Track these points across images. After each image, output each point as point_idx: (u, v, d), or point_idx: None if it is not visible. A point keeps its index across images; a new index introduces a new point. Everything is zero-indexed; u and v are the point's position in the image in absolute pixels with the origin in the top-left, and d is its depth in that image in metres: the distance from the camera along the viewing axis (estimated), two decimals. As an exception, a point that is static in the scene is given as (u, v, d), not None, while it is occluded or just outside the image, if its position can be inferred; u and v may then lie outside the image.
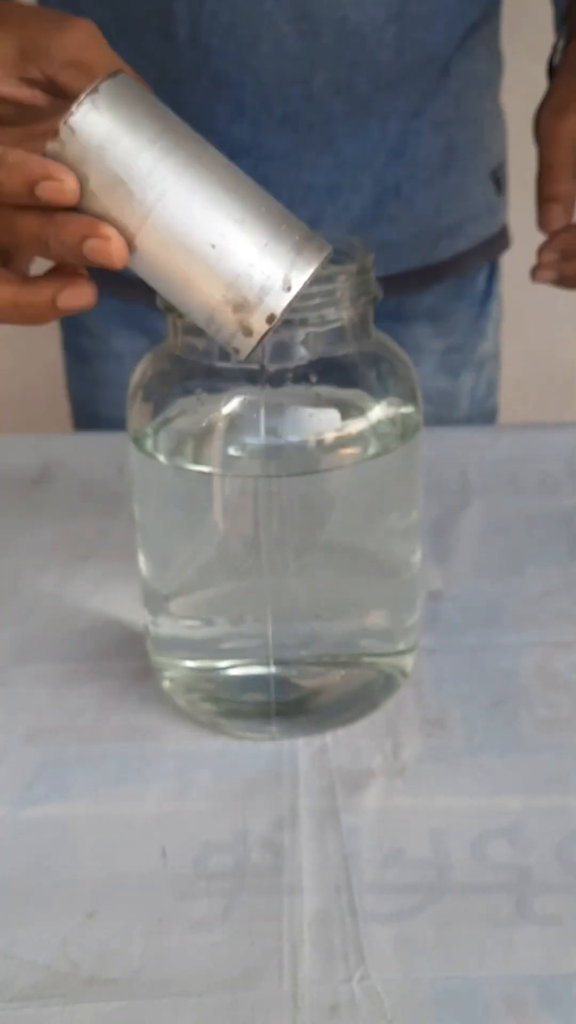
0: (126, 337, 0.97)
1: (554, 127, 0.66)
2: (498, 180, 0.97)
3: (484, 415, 1.06)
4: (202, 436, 0.56)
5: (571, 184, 0.66)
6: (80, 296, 0.49)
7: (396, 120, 0.85)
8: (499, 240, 1.01)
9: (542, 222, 0.67)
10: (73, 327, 1.01)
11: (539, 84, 0.72)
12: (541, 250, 0.67)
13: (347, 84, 0.81)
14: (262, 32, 0.77)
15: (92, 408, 1.03)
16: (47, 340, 1.13)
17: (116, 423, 0.99)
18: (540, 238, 0.68)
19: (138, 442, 0.58)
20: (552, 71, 0.73)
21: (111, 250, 0.46)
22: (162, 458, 0.57)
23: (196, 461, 0.56)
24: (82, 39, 0.53)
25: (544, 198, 0.67)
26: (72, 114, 0.44)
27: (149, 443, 0.57)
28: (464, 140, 0.90)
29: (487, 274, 1.01)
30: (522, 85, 0.87)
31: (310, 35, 0.77)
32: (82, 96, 0.44)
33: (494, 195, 0.97)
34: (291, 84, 0.80)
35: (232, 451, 0.56)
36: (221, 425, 0.56)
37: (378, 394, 0.57)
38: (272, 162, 0.85)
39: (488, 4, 0.86)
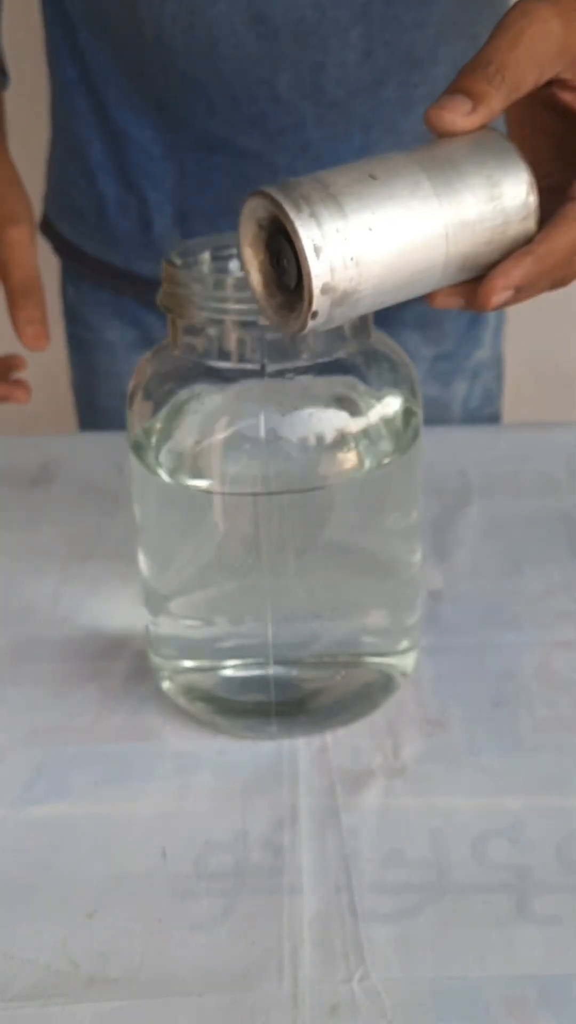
0: (118, 328, 0.98)
1: (523, 25, 0.48)
2: None
3: (480, 424, 1.04)
4: (201, 440, 0.56)
5: (495, 90, 0.47)
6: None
7: (380, 131, 0.84)
8: None
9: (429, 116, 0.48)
10: (72, 317, 1.02)
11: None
12: (494, 283, 0.48)
13: (314, 87, 0.80)
14: (220, 34, 0.77)
15: (89, 397, 1.04)
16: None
17: (111, 412, 0.99)
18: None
19: (138, 449, 0.58)
20: None
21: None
22: (163, 473, 0.57)
23: (196, 463, 0.57)
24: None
25: (452, 88, 0.48)
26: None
27: (150, 454, 0.57)
28: None
29: None
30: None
31: (268, 37, 0.77)
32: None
33: None
34: (255, 85, 0.80)
35: (233, 452, 0.56)
36: (220, 428, 0.56)
37: (378, 394, 0.57)
38: (248, 160, 0.85)
39: (478, 8, 0.83)
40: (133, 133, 0.88)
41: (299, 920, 0.50)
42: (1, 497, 0.87)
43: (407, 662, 0.64)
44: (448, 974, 0.47)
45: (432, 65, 0.82)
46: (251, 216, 0.47)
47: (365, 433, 0.56)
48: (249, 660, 0.61)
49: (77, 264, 0.99)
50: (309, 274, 0.44)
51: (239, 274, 0.60)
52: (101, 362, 1.00)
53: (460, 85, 0.48)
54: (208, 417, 0.56)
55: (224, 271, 0.59)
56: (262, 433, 0.54)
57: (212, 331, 0.54)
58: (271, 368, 0.54)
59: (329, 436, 0.55)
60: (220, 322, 0.54)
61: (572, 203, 0.49)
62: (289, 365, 0.54)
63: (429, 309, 0.96)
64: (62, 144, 0.94)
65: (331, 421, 0.55)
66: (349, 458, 0.56)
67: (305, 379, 0.55)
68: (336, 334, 0.55)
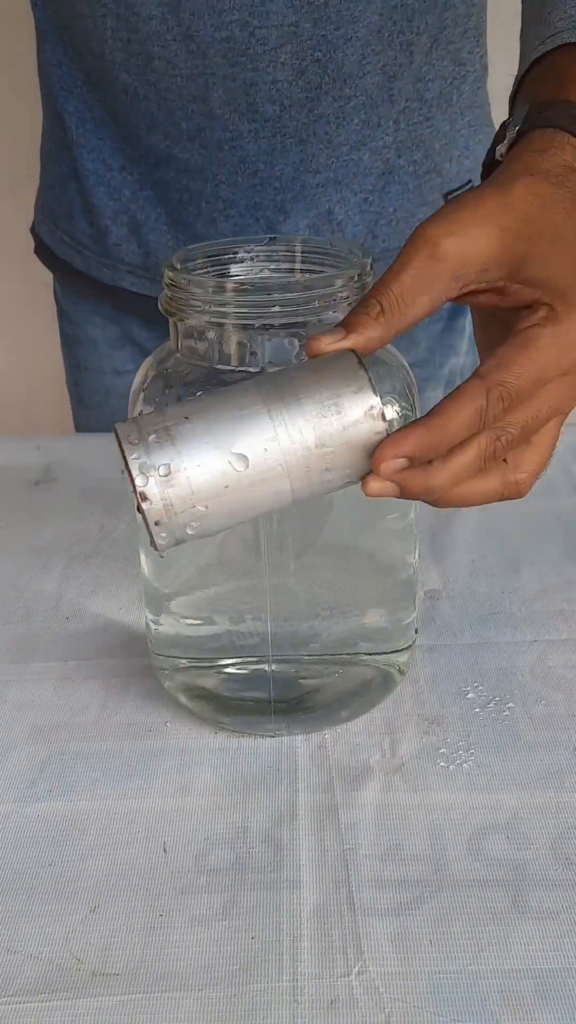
0: (100, 326, 1.00)
1: (412, 257, 0.48)
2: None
3: None
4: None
5: (374, 322, 0.48)
6: None
7: (316, 144, 0.84)
8: None
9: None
10: (61, 314, 1.04)
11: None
12: (383, 452, 0.46)
13: (247, 104, 0.81)
14: (154, 50, 0.79)
15: (80, 393, 1.06)
16: (50, 343, 1.14)
17: (97, 407, 1.02)
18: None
19: None
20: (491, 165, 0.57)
21: None
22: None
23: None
24: None
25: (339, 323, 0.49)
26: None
27: None
28: (405, 163, 0.88)
29: None
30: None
31: (198, 54, 0.78)
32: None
33: None
34: (190, 101, 0.81)
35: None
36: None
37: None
38: (190, 174, 0.86)
39: (407, 16, 0.81)
40: (94, 143, 0.89)
41: (298, 915, 0.51)
42: (4, 497, 0.88)
43: (405, 660, 0.64)
44: (446, 968, 0.48)
45: (362, 76, 0.82)
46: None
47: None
48: (249, 658, 0.62)
49: (55, 268, 1.01)
50: (143, 511, 0.45)
51: (240, 277, 0.60)
52: (87, 357, 1.02)
53: (344, 320, 0.49)
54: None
55: (224, 275, 0.60)
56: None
57: (212, 334, 0.55)
58: (271, 371, 0.55)
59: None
60: (221, 325, 0.54)
61: (472, 379, 0.47)
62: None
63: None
64: (45, 150, 0.97)
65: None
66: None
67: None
68: None
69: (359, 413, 0.46)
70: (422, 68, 0.85)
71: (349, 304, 0.54)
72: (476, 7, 0.87)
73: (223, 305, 0.54)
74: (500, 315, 0.52)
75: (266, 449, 0.45)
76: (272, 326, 0.54)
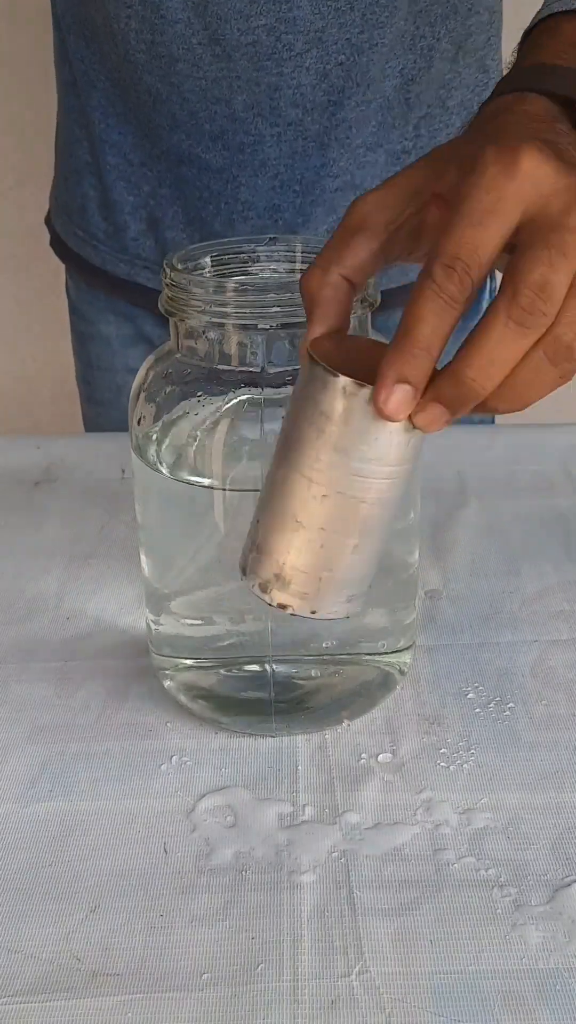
0: (112, 323, 1.00)
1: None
2: None
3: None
4: (203, 439, 0.57)
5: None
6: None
7: (337, 149, 0.85)
8: None
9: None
10: (73, 311, 1.04)
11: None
12: (378, 396, 0.44)
13: (270, 107, 0.81)
14: (178, 53, 0.79)
15: (89, 390, 1.06)
16: (50, 343, 1.14)
17: (108, 404, 1.03)
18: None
19: (140, 449, 0.59)
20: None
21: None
22: (164, 469, 0.58)
23: (197, 464, 0.57)
24: None
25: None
26: None
27: (152, 450, 0.58)
28: None
29: None
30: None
31: (223, 58, 0.79)
32: None
33: None
34: (213, 103, 0.82)
35: (232, 453, 0.56)
36: (222, 428, 0.56)
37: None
38: (211, 174, 0.86)
39: (429, 22, 0.82)
40: (115, 138, 0.89)
41: (299, 915, 0.51)
42: (5, 497, 0.87)
43: (405, 660, 0.64)
44: (446, 969, 0.48)
45: (382, 80, 0.83)
46: None
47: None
48: (249, 658, 0.62)
49: (69, 261, 1.01)
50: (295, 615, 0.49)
51: (239, 278, 0.60)
52: (99, 356, 1.02)
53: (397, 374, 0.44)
54: (209, 418, 0.57)
55: (224, 275, 0.60)
56: (262, 435, 0.55)
57: (213, 334, 0.55)
58: (271, 371, 0.55)
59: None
60: (221, 325, 0.54)
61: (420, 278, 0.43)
62: (289, 368, 0.55)
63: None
64: (60, 141, 0.97)
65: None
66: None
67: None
68: None
69: (339, 400, 0.44)
70: (446, 76, 0.86)
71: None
72: (496, 14, 0.88)
73: (223, 305, 0.54)
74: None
75: (318, 497, 0.46)
76: (272, 326, 0.54)
